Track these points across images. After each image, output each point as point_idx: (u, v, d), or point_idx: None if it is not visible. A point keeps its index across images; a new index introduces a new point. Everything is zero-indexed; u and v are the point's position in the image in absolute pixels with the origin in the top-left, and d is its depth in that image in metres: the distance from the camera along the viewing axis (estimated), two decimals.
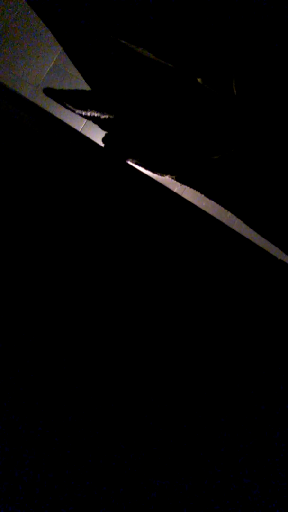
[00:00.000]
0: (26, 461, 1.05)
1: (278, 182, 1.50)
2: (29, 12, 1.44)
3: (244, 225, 1.59)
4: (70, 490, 1.06)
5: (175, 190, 1.55)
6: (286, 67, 1.39)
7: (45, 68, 1.48)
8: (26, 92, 1.47)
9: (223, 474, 1.17)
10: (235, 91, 1.40)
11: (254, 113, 1.42)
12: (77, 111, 1.43)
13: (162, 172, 1.52)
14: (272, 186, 1.51)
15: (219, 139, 1.43)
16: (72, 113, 1.47)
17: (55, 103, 1.46)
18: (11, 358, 1.11)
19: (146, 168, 1.51)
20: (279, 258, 1.39)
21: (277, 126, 1.44)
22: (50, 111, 1.42)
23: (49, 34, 1.46)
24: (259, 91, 1.41)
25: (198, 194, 1.57)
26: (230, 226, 1.55)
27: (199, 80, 1.38)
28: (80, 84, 1.49)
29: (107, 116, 1.44)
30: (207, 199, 1.58)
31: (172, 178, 1.54)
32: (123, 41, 1.37)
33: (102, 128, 1.49)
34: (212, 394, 1.21)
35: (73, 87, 1.49)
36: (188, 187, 1.57)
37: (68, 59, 1.48)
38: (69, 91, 1.47)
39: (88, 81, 1.48)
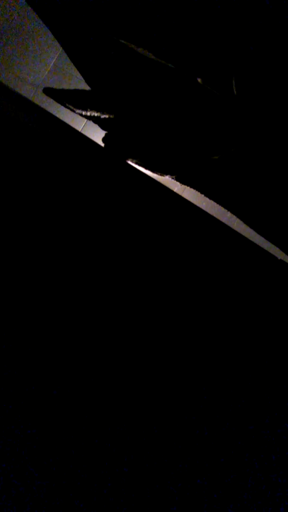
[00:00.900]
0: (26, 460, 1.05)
1: (278, 182, 1.50)
2: (29, 12, 1.44)
3: (244, 225, 1.59)
4: (70, 490, 1.06)
5: (175, 190, 1.55)
6: (286, 67, 1.39)
7: (45, 68, 1.48)
8: (26, 92, 1.47)
9: (223, 474, 1.17)
10: (235, 91, 1.40)
11: (254, 113, 1.42)
12: (77, 111, 1.43)
13: (162, 172, 1.52)
14: (272, 186, 1.51)
15: (219, 139, 1.43)
16: (72, 113, 1.46)
17: (55, 103, 1.46)
18: (10, 358, 1.11)
19: (146, 168, 1.51)
20: (279, 258, 1.39)
21: (277, 126, 1.44)
22: (50, 111, 1.42)
23: (49, 34, 1.46)
24: (259, 91, 1.41)
25: (198, 194, 1.57)
26: (230, 226, 1.55)
27: (199, 80, 1.38)
28: (80, 84, 1.49)
29: (107, 116, 1.44)
30: (207, 199, 1.58)
31: (172, 178, 1.54)
32: (123, 41, 1.37)
33: (102, 128, 1.49)
34: (212, 394, 1.21)
35: (73, 87, 1.49)
36: (188, 187, 1.57)
37: (68, 59, 1.48)
38: (69, 91, 1.47)
39: (88, 81, 1.48)
